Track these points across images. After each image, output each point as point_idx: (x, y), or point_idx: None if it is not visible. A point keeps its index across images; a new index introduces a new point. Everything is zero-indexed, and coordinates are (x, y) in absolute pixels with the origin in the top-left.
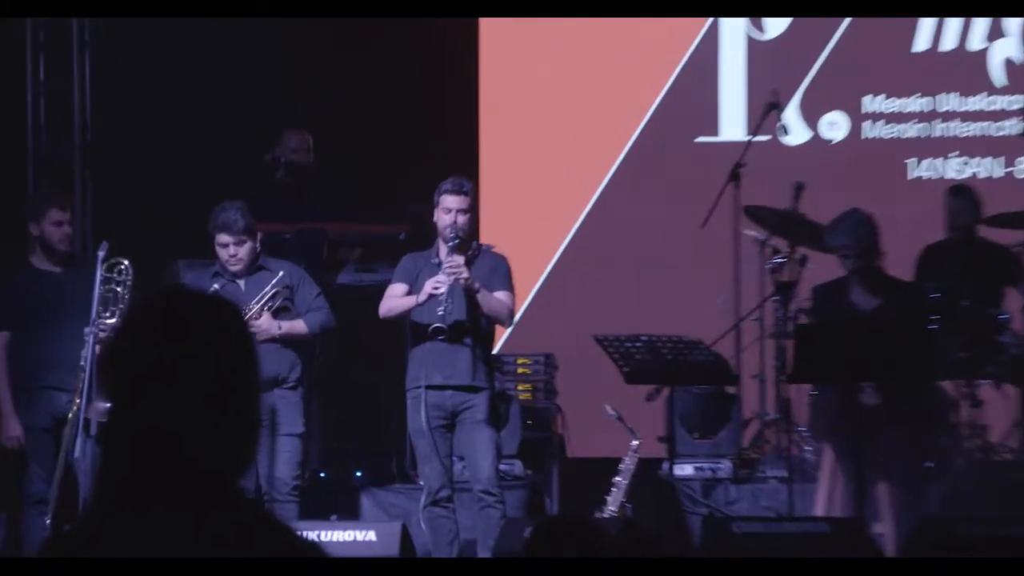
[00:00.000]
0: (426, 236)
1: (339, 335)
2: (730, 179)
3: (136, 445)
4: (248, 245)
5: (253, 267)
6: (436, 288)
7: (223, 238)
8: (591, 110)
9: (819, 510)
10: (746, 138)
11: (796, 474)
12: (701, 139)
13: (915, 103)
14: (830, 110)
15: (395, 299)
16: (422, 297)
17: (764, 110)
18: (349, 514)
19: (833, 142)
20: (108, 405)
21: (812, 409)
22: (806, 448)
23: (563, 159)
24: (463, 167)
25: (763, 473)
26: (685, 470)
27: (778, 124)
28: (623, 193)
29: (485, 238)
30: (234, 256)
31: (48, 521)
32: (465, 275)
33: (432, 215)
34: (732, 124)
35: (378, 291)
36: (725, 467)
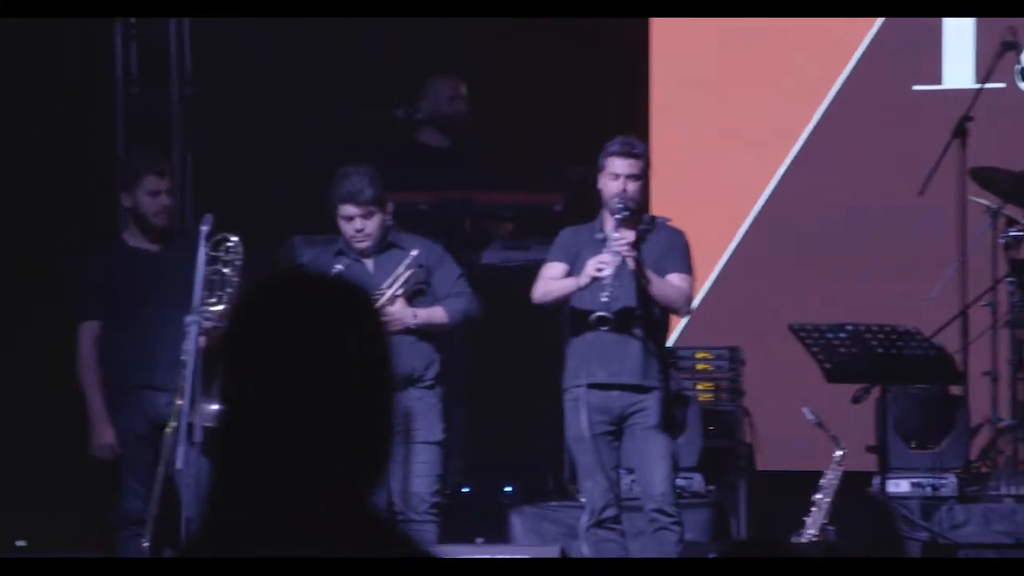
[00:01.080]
0: (588, 206)
1: (484, 324)
2: (955, 135)
3: (250, 455)
4: (377, 218)
5: (383, 244)
6: (600, 269)
7: (348, 210)
8: (781, 58)
9: None
10: (976, 85)
11: None
12: (920, 87)
13: None
14: None
15: (552, 281)
16: (584, 280)
17: (998, 50)
18: (497, 536)
19: None
20: (217, 408)
21: None
22: None
23: (747, 118)
24: (631, 127)
25: (996, 490)
26: (900, 487)
27: (1016, 67)
28: (821, 156)
29: (657, 210)
30: (360, 231)
31: (146, 545)
32: (634, 254)
33: (595, 182)
34: (958, 68)
35: (530, 272)
36: (949, 483)
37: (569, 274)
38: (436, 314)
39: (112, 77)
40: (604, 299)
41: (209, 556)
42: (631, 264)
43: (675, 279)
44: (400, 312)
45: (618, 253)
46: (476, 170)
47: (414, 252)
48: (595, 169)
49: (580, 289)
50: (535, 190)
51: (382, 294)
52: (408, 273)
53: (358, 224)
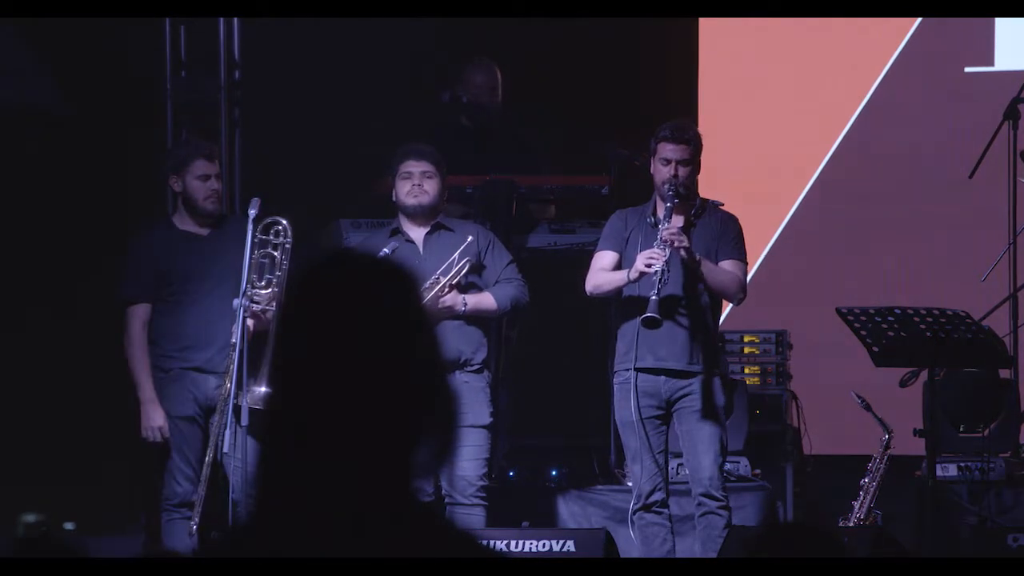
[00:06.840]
0: (633, 189)
1: (531, 308)
2: (1006, 117)
3: (299, 437)
4: (436, 182)
5: (434, 224)
6: (649, 264)
7: (409, 165)
8: (832, 39)
9: None
10: None
11: None
12: (972, 69)
13: None
14: None
15: (603, 274)
16: (633, 274)
17: None
18: (544, 520)
19: None
20: (265, 390)
21: None
22: None
23: (796, 99)
24: (680, 109)
25: None
26: (948, 470)
27: None
28: (869, 137)
29: (704, 192)
30: (419, 186)
31: (195, 527)
32: (685, 244)
33: (641, 165)
34: (1011, 50)
35: (576, 255)
36: (998, 467)
37: (620, 258)
38: (485, 301)
39: (161, 61)
40: (652, 296)
41: (256, 538)
42: (681, 254)
43: (728, 266)
44: (451, 300)
45: (667, 246)
46: (522, 153)
47: (469, 239)
48: (636, 153)
49: (630, 283)
50: (581, 172)
51: (438, 281)
52: (464, 261)
53: (416, 179)
